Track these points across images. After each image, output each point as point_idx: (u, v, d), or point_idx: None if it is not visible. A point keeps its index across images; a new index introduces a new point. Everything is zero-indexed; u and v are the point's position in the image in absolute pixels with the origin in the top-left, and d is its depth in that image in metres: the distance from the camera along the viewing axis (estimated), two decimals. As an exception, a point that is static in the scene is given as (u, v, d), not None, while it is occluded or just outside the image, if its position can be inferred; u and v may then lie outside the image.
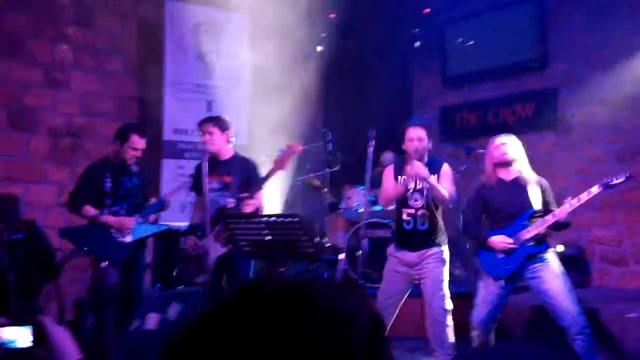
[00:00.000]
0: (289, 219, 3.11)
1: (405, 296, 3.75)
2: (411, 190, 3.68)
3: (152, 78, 5.81)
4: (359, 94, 6.34)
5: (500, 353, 2.92)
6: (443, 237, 3.71)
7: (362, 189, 5.55)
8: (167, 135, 5.71)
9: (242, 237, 3.29)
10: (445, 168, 3.68)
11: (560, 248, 5.22)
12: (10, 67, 5.26)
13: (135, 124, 5.20)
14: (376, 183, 5.84)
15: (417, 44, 7.04)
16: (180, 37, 5.81)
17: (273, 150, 3.79)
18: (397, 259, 3.75)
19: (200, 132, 3.98)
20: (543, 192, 3.59)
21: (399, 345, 4.40)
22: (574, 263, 5.36)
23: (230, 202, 3.84)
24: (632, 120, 5.48)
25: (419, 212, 3.66)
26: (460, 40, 6.83)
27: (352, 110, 6.23)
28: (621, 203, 5.47)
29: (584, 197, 3.36)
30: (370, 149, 4.02)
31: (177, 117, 5.73)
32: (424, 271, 3.65)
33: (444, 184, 3.60)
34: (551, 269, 3.48)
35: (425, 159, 3.66)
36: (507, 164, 3.63)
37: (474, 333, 3.65)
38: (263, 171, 3.96)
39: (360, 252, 4.39)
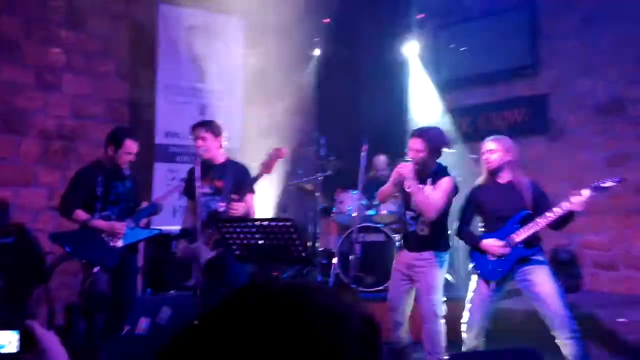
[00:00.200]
0: (282, 223, 3.11)
1: (413, 295, 3.74)
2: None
3: (145, 81, 5.79)
4: (352, 99, 6.35)
5: (491, 358, 2.92)
6: (441, 243, 3.70)
7: (355, 193, 5.56)
8: (159, 138, 5.69)
9: (234, 241, 3.28)
10: (444, 180, 3.60)
11: (553, 253, 5.25)
12: (2, 69, 5.22)
13: (127, 128, 5.18)
14: (369, 187, 5.86)
15: (411, 49, 7.07)
16: (174, 40, 5.80)
17: (264, 154, 3.79)
18: (399, 257, 3.80)
19: (192, 137, 3.97)
20: (536, 194, 3.60)
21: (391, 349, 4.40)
22: (565, 268, 5.39)
23: (222, 207, 3.83)
24: (622, 126, 5.52)
25: (420, 216, 3.67)
26: (453, 45, 6.87)
27: (345, 114, 6.24)
28: (611, 208, 5.51)
29: (576, 200, 3.36)
30: (363, 154, 4.03)
31: (170, 120, 5.72)
32: (418, 274, 3.67)
33: (434, 194, 3.57)
34: (542, 273, 3.50)
35: (431, 167, 3.65)
36: (491, 172, 3.65)
37: (466, 335, 3.67)
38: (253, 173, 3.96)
39: (353, 256, 4.39)
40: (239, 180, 3.90)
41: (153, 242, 5.07)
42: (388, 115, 6.37)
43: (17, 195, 5.21)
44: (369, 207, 5.80)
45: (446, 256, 3.72)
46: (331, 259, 5.66)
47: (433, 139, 3.63)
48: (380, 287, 5.33)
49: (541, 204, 3.54)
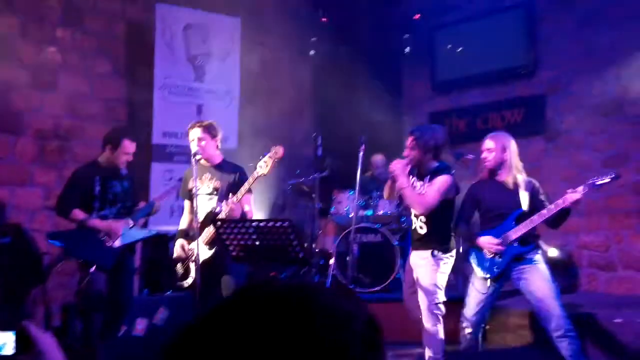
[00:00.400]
0: (279, 224, 3.10)
1: None
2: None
3: (141, 80, 5.78)
4: (349, 99, 6.35)
5: (489, 357, 2.92)
6: (441, 242, 3.68)
7: (352, 193, 5.56)
8: (156, 138, 5.67)
9: (231, 241, 3.27)
10: (439, 178, 3.61)
11: (554, 252, 5.25)
12: (-3, 68, 5.20)
13: (125, 127, 5.16)
14: (366, 187, 5.86)
15: (407, 49, 7.08)
16: (170, 39, 5.79)
17: (262, 154, 3.78)
18: (409, 257, 3.85)
19: (189, 138, 3.95)
20: (533, 192, 3.61)
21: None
22: (562, 268, 5.40)
23: (219, 207, 3.83)
24: (619, 127, 5.53)
25: (420, 215, 3.70)
26: (450, 46, 6.87)
27: (342, 115, 6.24)
28: (608, 209, 5.52)
29: (570, 197, 3.36)
30: (361, 154, 4.04)
31: (167, 120, 5.70)
32: (417, 273, 3.70)
33: (428, 190, 3.61)
34: (538, 271, 3.52)
35: (430, 166, 3.67)
36: (490, 170, 3.67)
37: (464, 331, 3.70)
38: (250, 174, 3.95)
39: (350, 256, 4.39)
40: (236, 180, 3.90)
41: (150, 243, 5.05)
42: (385, 116, 6.37)
43: (13, 195, 5.19)
44: (366, 208, 5.80)
45: (447, 256, 3.70)
46: (329, 260, 5.66)
47: (426, 137, 3.65)
48: (378, 288, 5.33)
49: (538, 201, 3.56)
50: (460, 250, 4.25)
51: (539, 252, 3.62)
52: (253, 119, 6.10)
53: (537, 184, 3.68)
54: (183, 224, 4.08)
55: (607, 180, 3.36)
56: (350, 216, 5.45)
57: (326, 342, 0.65)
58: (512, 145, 3.68)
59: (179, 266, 3.91)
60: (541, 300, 3.46)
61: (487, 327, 3.79)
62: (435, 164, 3.73)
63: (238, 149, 5.96)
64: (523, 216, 3.53)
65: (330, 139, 6.21)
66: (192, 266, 3.79)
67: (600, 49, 5.63)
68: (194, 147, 3.84)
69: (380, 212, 5.74)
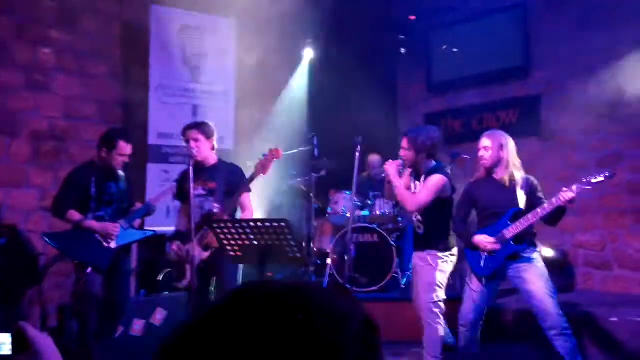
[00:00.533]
0: (276, 224, 3.10)
1: None
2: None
3: (137, 81, 5.76)
4: (345, 99, 6.35)
5: (486, 355, 2.93)
6: (439, 241, 3.74)
7: (349, 193, 5.56)
8: (152, 139, 5.66)
9: (228, 241, 3.26)
10: (431, 177, 3.68)
11: (549, 252, 5.26)
12: (-8, 69, 5.18)
13: (120, 129, 5.15)
14: (363, 187, 5.87)
15: (403, 50, 7.09)
16: (166, 40, 5.78)
17: (258, 155, 3.78)
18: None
19: (184, 139, 3.94)
20: (530, 189, 3.61)
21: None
22: (558, 267, 5.41)
23: (216, 207, 3.82)
24: (613, 127, 5.56)
25: (417, 215, 3.78)
26: (445, 47, 6.89)
27: (338, 115, 6.24)
28: (603, 208, 5.54)
29: (564, 196, 3.36)
30: (357, 154, 4.05)
31: (162, 121, 5.69)
32: (417, 273, 3.77)
33: (420, 190, 3.72)
34: (534, 270, 3.52)
35: (425, 165, 3.76)
36: (487, 169, 3.67)
37: (461, 329, 3.72)
38: (247, 175, 3.95)
39: (347, 256, 4.40)
40: (232, 180, 3.89)
41: (146, 243, 5.04)
42: (381, 116, 6.38)
43: (8, 196, 5.17)
44: (362, 208, 5.80)
45: (446, 254, 3.73)
46: (325, 259, 5.66)
47: (420, 138, 3.74)
48: (374, 287, 5.34)
49: (534, 199, 3.56)
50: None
51: (536, 250, 3.63)
52: (249, 119, 6.09)
53: (534, 182, 3.68)
54: (178, 225, 4.07)
55: (601, 178, 3.35)
56: (346, 216, 5.45)
57: (323, 342, 0.65)
58: (510, 143, 3.69)
59: (174, 268, 3.91)
60: (537, 298, 3.47)
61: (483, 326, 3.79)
62: (431, 163, 3.80)
63: (234, 150, 5.96)
64: (518, 214, 3.53)
65: (326, 139, 6.21)
66: (188, 267, 3.78)
67: (594, 49, 5.66)
68: (188, 148, 3.84)
69: (377, 212, 5.75)
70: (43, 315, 4.50)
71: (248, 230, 3.15)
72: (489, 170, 3.68)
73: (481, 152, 3.68)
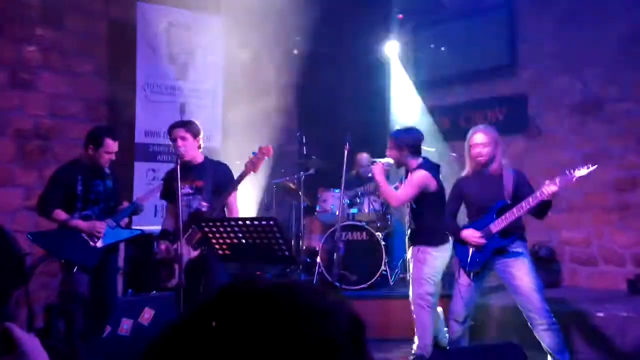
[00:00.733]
0: (265, 222, 3.09)
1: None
2: None
3: (123, 80, 5.72)
4: (334, 97, 6.36)
5: (474, 353, 2.94)
6: (429, 237, 3.85)
7: (337, 192, 5.57)
8: (139, 137, 5.62)
9: (217, 240, 3.25)
10: (414, 174, 3.87)
11: (535, 250, 5.31)
12: (-24, 67, 5.11)
13: (106, 127, 5.10)
14: (351, 185, 5.87)
15: (391, 49, 7.10)
16: (153, 38, 5.73)
17: (247, 153, 3.77)
18: None
19: (170, 138, 3.91)
20: (519, 183, 3.61)
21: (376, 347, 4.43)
22: (545, 264, 5.47)
23: (204, 206, 3.81)
24: (599, 125, 5.62)
25: (410, 213, 3.96)
26: (433, 45, 6.91)
27: (327, 113, 6.24)
28: (589, 205, 5.60)
29: (547, 190, 3.36)
30: (346, 153, 4.07)
31: (149, 119, 5.65)
32: (410, 267, 3.91)
33: (403, 187, 3.93)
34: (521, 265, 3.54)
35: (411, 163, 3.93)
36: (483, 164, 3.68)
37: (451, 323, 3.76)
38: (235, 174, 3.94)
39: (336, 254, 4.41)
40: (219, 179, 3.88)
41: (134, 243, 5.01)
42: (369, 114, 6.39)
43: (-7, 196, 5.11)
44: (351, 206, 5.81)
45: (435, 249, 3.80)
46: (315, 258, 5.67)
47: (398, 138, 3.97)
48: (364, 285, 5.35)
49: (522, 193, 3.56)
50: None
51: (525, 244, 3.65)
52: (237, 118, 6.07)
53: (523, 175, 3.69)
54: (165, 225, 4.05)
55: (584, 171, 3.35)
56: (335, 214, 5.46)
57: (312, 339, 0.65)
58: (500, 137, 3.73)
59: (162, 268, 3.88)
60: (524, 293, 3.50)
61: (472, 322, 3.83)
62: (417, 161, 3.90)
63: (222, 148, 5.94)
64: (505, 209, 3.54)
65: (314, 138, 6.22)
66: (176, 267, 3.76)
67: (579, 48, 5.71)
68: (175, 147, 3.81)
69: (366, 210, 5.76)
70: (30, 316, 4.45)
71: (237, 230, 3.14)
72: (483, 166, 3.68)
73: (479, 149, 3.65)
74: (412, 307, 3.89)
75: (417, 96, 7.00)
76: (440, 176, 4.03)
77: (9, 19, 5.27)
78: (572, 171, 3.39)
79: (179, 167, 3.65)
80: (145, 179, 5.55)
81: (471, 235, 3.60)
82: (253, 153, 3.69)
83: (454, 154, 5.63)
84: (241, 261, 3.52)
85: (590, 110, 5.68)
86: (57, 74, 5.54)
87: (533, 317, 3.48)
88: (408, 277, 4.30)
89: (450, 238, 3.86)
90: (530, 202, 3.42)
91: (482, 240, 3.56)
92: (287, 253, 3.18)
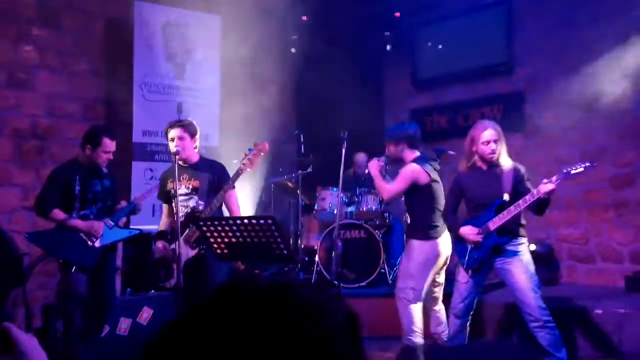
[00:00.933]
0: (263, 221, 3.09)
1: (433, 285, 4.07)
2: None
3: (121, 79, 5.70)
4: (331, 96, 6.35)
5: (474, 350, 2.95)
6: (420, 231, 3.88)
7: (335, 190, 5.57)
8: (137, 137, 5.61)
9: (215, 239, 3.25)
10: (405, 167, 3.92)
11: (532, 247, 5.32)
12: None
13: (104, 126, 5.10)
14: (349, 184, 5.87)
15: (388, 47, 7.10)
16: (150, 37, 5.72)
17: (244, 151, 3.76)
18: None
19: (168, 137, 3.89)
20: (517, 179, 3.58)
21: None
22: (543, 261, 5.47)
23: (201, 205, 3.80)
24: (596, 122, 5.63)
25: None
26: (430, 43, 6.91)
27: (324, 111, 6.24)
28: (587, 202, 5.61)
29: (544, 187, 3.34)
30: (343, 151, 4.07)
31: (147, 118, 5.64)
32: None
33: (394, 181, 4.00)
34: (520, 263, 3.54)
35: (407, 158, 3.97)
36: (491, 161, 3.62)
37: (450, 318, 3.78)
38: (232, 173, 3.94)
39: (334, 253, 4.41)
40: (215, 178, 3.87)
41: (132, 242, 5.00)
42: (367, 113, 6.39)
43: (-10, 196, 5.09)
44: (349, 204, 5.81)
45: (420, 244, 3.87)
46: (313, 256, 5.67)
47: (391, 134, 4.05)
48: (363, 283, 5.35)
49: (521, 190, 3.53)
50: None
51: (523, 242, 3.62)
52: (234, 116, 6.06)
53: (522, 170, 3.66)
54: (162, 225, 4.04)
55: (581, 169, 3.34)
56: (334, 212, 5.46)
57: (309, 336, 0.66)
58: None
59: (160, 267, 3.88)
60: (521, 291, 3.50)
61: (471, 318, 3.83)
62: (413, 155, 3.94)
63: (220, 147, 5.93)
64: (504, 206, 3.52)
65: (312, 137, 6.21)
66: (175, 266, 3.75)
67: (577, 45, 5.72)
68: (173, 147, 3.80)
69: (364, 208, 5.76)
70: (28, 316, 4.44)
71: (235, 228, 3.14)
72: (491, 162, 3.62)
73: (492, 145, 3.58)
74: (399, 303, 3.93)
75: (415, 94, 7.01)
76: (438, 171, 4.07)
77: (6, 19, 5.26)
78: (568, 169, 3.39)
79: (176, 166, 3.65)
80: (143, 179, 5.54)
81: (469, 232, 3.60)
82: (249, 150, 3.69)
83: (452, 152, 5.63)
84: (239, 260, 3.52)
85: (587, 108, 5.69)
86: (54, 73, 5.52)
87: (529, 314, 3.49)
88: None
89: (443, 234, 3.87)
90: (527, 200, 3.41)
91: (479, 238, 3.56)
92: (285, 252, 3.18)
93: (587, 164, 3.37)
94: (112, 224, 4.07)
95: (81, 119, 5.55)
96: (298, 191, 6.06)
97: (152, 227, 4.59)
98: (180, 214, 3.74)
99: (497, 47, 6.39)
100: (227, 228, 3.16)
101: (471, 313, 3.77)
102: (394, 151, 3.98)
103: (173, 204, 3.80)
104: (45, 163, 5.21)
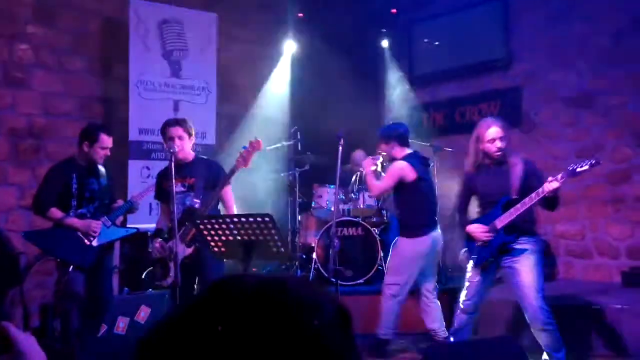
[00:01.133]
0: (260, 219, 3.08)
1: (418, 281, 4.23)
2: None
3: (117, 77, 5.69)
4: (328, 93, 6.35)
5: (470, 346, 2.95)
6: (407, 229, 4.07)
7: (333, 187, 5.57)
8: (133, 135, 5.60)
9: (212, 237, 3.24)
10: (392, 165, 4.10)
11: None
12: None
13: (100, 123, 5.09)
14: (346, 181, 5.87)
15: (385, 44, 7.10)
16: (146, 35, 5.70)
17: (239, 148, 3.76)
18: None
19: (167, 136, 3.86)
20: (527, 174, 3.53)
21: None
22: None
23: (196, 203, 3.80)
24: (593, 118, 5.64)
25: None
26: (427, 40, 6.91)
27: (321, 109, 6.23)
28: (583, 198, 5.63)
29: (549, 186, 3.32)
30: (340, 148, 4.08)
31: (143, 117, 5.62)
32: None
33: (382, 179, 4.16)
34: (525, 262, 3.48)
35: (398, 156, 4.14)
36: (498, 158, 3.58)
37: (458, 313, 3.76)
38: (227, 169, 3.93)
39: (332, 250, 4.42)
40: (210, 176, 3.87)
41: (129, 241, 5.00)
42: (364, 110, 6.38)
43: (-13, 195, 5.08)
44: (346, 201, 5.82)
45: (406, 242, 3.94)
46: (311, 254, 5.67)
47: (382, 133, 4.26)
48: (360, 281, 5.36)
49: (533, 184, 3.45)
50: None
51: (532, 240, 3.55)
52: (231, 114, 6.06)
53: (532, 165, 3.63)
54: (159, 224, 4.04)
55: (586, 167, 3.31)
56: (331, 210, 5.46)
57: (301, 330, 0.67)
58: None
59: (157, 266, 3.87)
60: (522, 291, 3.47)
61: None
62: (403, 153, 4.09)
63: (216, 145, 5.92)
64: (510, 203, 3.49)
65: (309, 134, 6.21)
66: (172, 265, 3.75)
67: (573, 41, 5.73)
68: (171, 146, 3.78)
69: (361, 206, 5.76)
70: (25, 316, 4.44)
71: (232, 226, 3.14)
72: (498, 159, 3.58)
73: (497, 143, 3.54)
74: (383, 297, 4.13)
75: (412, 91, 7.01)
76: (428, 169, 4.20)
77: (1, 17, 5.23)
78: (574, 166, 3.34)
79: (173, 164, 3.64)
80: (140, 177, 5.53)
81: (476, 230, 3.58)
82: (243, 147, 3.68)
83: (449, 149, 5.64)
84: (236, 258, 3.51)
85: (584, 104, 5.70)
86: (49, 72, 5.50)
87: (530, 314, 3.47)
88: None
89: (430, 231, 4.02)
90: (533, 198, 3.37)
91: (488, 236, 3.54)
92: (282, 249, 3.17)
93: (593, 162, 3.33)
94: (110, 222, 4.07)
95: (77, 117, 5.53)
96: (295, 189, 6.05)
97: (149, 226, 4.59)
98: (177, 212, 3.73)
99: (493, 43, 6.39)
100: (224, 226, 3.15)
101: (477, 311, 3.74)
102: (385, 149, 4.17)
103: (170, 202, 3.79)
104: (42, 162, 5.19)
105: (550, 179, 3.33)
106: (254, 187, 6.18)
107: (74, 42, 5.66)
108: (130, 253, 5.26)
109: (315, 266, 5.50)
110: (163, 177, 3.96)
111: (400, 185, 4.00)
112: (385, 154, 4.22)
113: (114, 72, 5.74)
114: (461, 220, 3.77)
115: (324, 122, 5.55)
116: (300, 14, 6.77)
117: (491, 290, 3.86)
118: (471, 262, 3.66)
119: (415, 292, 4.26)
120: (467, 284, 3.70)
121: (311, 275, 5.46)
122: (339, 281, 4.61)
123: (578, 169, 3.32)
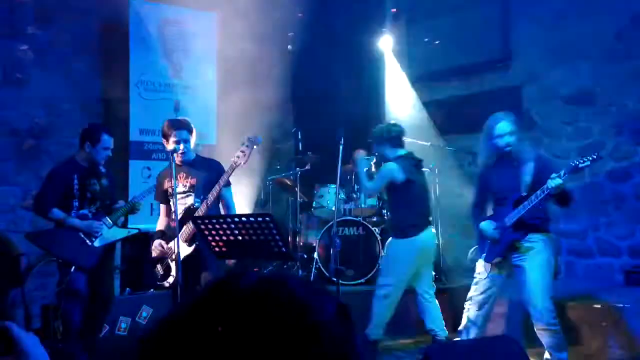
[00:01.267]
0: (261, 219, 3.09)
1: (413, 282, 4.24)
2: None
3: (117, 78, 5.69)
4: (328, 93, 6.35)
5: (470, 346, 2.96)
6: (397, 230, 4.10)
7: (334, 187, 5.57)
8: (134, 136, 5.60)
9: (213, 237, 3.24)
10: (382, 166, 4.17)
11: None
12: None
13: (101, 123, 5.09)
14: (347, 181, 5.87)
15: (385, 43, 7.10)
16: (146, 35, 5.71)
17: (239, 147, 3.76)
18: None
19: (173, 138, 3.76)
20: (540, 169, 3.49)
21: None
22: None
23: (197, 203, 3.80)
24: (593, 116, 5.64)
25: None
26: (427, 39, 6.91)
27: (322, 108, 6.24)
28: (585, 197, 5.62)
29: (552, 183, 3.29)
30: (340, 148, 4.09)
31: (144, 117, 5.63)
32: None
33: (373, 180, 4.25)
34: (534, 261, 3.47)
35: (390, 157, 4.19)
36: (508, 154, 3.56)
37: (465, 309, 3.76)
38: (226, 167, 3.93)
39: (333, 250, 4.43)
40: (211, 175, 3.86)
41: (131, 242, 5.00)
42: (364, 109, 6.39)
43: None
44: (348, 201, 5.82)
45: (396, 243, 4.01)
46: (312, 253, 5.67)
47: (375, 134, 4.28)
48: (361, 280, 5.36)
49: (544, 182, 3.38)
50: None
51: (542, 237, 3.52)
52: (231, 114, 6.06)
53: (545, 161, 3.61)
54: (160, 225, 4.03)
55: (588, 162, 3.30)
56: (332, 210, 5.47)
57: (303, 326, 0.67)
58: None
59: (158, 266, 3.87)
60: (529, 290, 3.46)
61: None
62: (394, 154, 4.13)
63: (217, 145, 5.92)
64: (520, 201, 3.47)
65: (310, 134, 6.21)
66: (173, 265, 3.75)
67: (573, 40, 5.72)
68: (178, 148, 3.73)
69: (362, 205, 5.77)
70: (27, 316, 4.44)
71: (233, 226, 3.14)
72: (509, 155, 3.56)
73: (507, 138, 3.52)
74: (374, 297, 4.16)
75: (412, 90, 7.01)
76: (421, 170, 4.24)
77: (2, 18, 5.24)
78: (576, 163, 3.33)
79: (174, 165, 3.64)
80: (141, 177, 5.53)
81: (487, 227, 3.59)
82: (242, 144, 3.68)
83: (451, 148, 5.65)
84: (237, 258, 3.52)
85: (584, 102, 5.69)
86: (50, 72, 5.51)
87: (533, 314, 3.46)
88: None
89: (420, 232, 4.01)
90: (538, 195, 3.36)
91: (497, 233, 3.53)
92: (284, 249, 3.18)
93: (594, 157, 3.31)
94: (111, 223, 4.07)
95: (78, 118, 5.54)
96: (296, 188, 6.05)
97: (151, 227, 4.58)
98: (179, 213, 3.73)
99: (493, 42, 6.39)
100: (225, 226, 3.16)
101: (487, 309, 3.72)
102: (380, 150, 4.24)
103: (171, 203, 3.80)
104: (43, 162, 5.20)
105: (553, 175, 3.31)
106: (255, 187, 6.19)
107: (75, 42, 5.67)
108: (131, 253, 5.26)
109: (317, 266, 5.50)
110: (164, 178, 3.96)
111: (391, 187, 4.05)
112: (377, 154, 4.31)
113: (115, 73, 5.74)
114: (474, 216, 3.77)
115: (325, 122, 5.55)
116: (300, 14, 6.78)
117: (505, 289, 3.81)
118: (481, 260, 3.67)
119: (413, 293, 4.25)
120: (475, 279, 3.71)
121: (312, 274, 5.47)
122: (340, 281, 4.62)
123: (580, 165, 3.30)
